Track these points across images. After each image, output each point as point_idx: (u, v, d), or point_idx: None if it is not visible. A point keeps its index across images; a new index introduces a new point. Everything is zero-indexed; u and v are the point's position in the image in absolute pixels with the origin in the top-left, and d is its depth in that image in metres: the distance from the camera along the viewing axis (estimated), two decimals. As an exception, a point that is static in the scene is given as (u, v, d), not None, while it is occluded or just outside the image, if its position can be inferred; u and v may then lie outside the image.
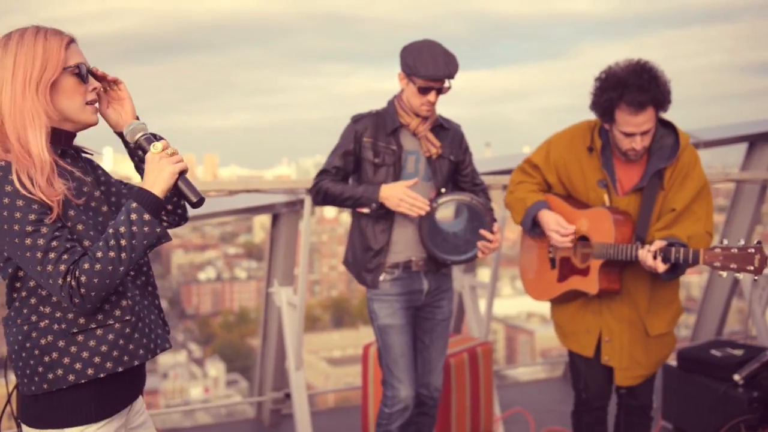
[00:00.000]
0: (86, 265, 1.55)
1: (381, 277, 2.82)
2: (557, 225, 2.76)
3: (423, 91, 2.71)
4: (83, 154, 1.78)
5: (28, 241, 1.54)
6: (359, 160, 2.81)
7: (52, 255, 1.54)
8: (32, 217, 1.54)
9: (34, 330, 1.63)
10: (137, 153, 1.80)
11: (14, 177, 1.55)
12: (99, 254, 1.56)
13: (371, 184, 2.76)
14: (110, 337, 1.65)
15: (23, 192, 1.54)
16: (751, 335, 4.75)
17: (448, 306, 2.95)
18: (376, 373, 3.56)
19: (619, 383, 2.83)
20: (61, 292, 1.55)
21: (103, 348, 1.64)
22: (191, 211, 3.97)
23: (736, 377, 3.57)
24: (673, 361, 3.94)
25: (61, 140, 1.71)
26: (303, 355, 3.82)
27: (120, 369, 1.66)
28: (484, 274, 6.39)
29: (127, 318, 1.68)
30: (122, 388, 1.72)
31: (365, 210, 2.78)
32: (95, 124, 1.76)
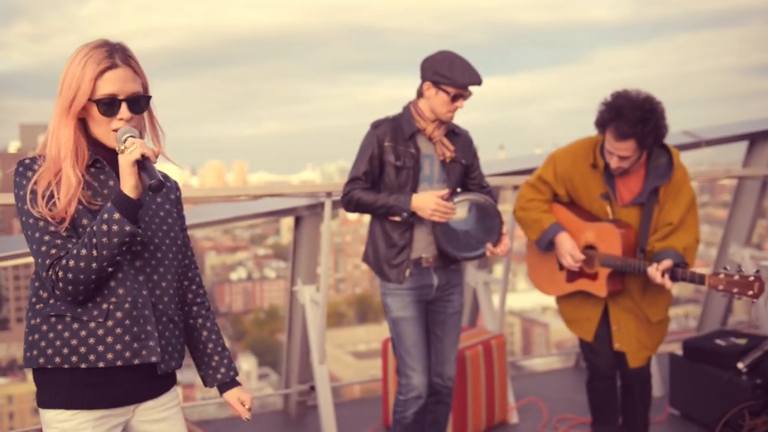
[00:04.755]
0: (64, 261, 1.60)
1: (407, 272, 2.82)
2: (572, 251, 2.93)
3: (455, 98, 2.72)
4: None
5: (34, 233, 1.64)
6: (382, 164, 2.80)
7: (43, 248, 1.62)
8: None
9: (36, 310, 1.71)
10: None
11: (29, 186, 1.64)
12: (75, 251, 1.61)
13: (401, 194, 2.75)
14: (89, 332, 1.67)
15: (28, 208, 1.63)
16: (754, 325, 4.71)
17: (459, 300, 2.95)
18: (395, 365, 3.58)
19: (632, 365, 3.03)
20: (46, 282, 1.64)
21: (91, 341, 1.66)
22: (223, 215, 4.02)
23: (740, 365, 3.54)
24: (679, 351, 3.92)
25: (100, 152, 1.72)
26: (328, 349, 3.84)
27: (83, 365, 1.65)
28: (498, 270, 6.38)
29: (101, 320, 1.67)
30: (100, 384, 1.69)
31: (396, 218, 2.77)
32: None
